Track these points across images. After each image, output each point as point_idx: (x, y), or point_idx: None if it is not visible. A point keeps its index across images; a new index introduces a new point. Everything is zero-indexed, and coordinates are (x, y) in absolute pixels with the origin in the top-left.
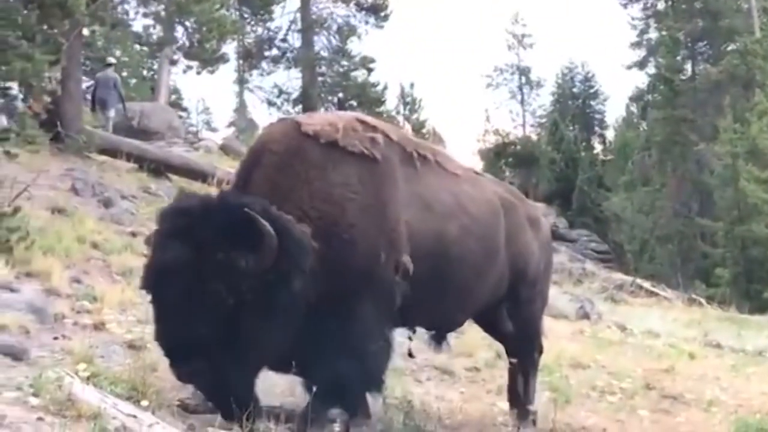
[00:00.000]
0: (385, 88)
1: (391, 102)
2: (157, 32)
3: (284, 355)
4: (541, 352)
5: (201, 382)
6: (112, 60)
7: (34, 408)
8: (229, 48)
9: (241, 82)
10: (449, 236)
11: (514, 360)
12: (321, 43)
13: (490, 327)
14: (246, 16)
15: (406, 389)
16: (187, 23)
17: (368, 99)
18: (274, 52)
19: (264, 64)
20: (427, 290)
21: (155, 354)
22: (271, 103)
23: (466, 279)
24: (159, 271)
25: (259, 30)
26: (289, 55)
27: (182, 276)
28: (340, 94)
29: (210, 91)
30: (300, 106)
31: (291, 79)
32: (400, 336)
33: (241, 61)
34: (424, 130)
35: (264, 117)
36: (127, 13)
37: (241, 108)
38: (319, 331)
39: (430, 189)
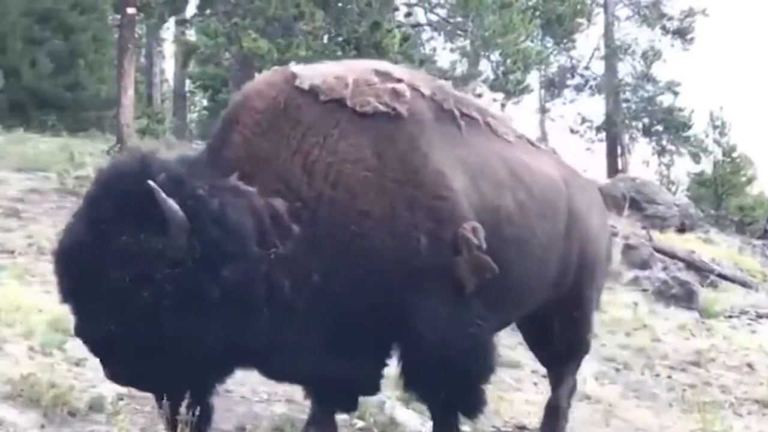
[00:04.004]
0: (692, 112)
1: (699, 126)
2: (462, 66)
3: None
4: (587, 351)
5: (132, 383)
6: None
7: (360, 430)
8: (532, 78)
9: (543, 111)
10: (503, 211)
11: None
12: (625, 68)
13: (539, 335)
14: (548, 45)
15: (726, 423)
16: (492, 56)
17: (674, 123)
18: (577, 80)
19: (566, 92)
20: None
21: None
22: (573, 131)
23: (524, 266)
24: (61, 257)
25: (562, 59)
26: (592, 82)
27: (84, 263)
28: (645, 120)
29: None
30: (603, 133)
31: (594, 107)
32: None
33: (543, 91)
34: (734, 154)
35: (565, 146)
36: (434, 49)
37: (543, 138)
38: (381, 340)
39: (477, 153)
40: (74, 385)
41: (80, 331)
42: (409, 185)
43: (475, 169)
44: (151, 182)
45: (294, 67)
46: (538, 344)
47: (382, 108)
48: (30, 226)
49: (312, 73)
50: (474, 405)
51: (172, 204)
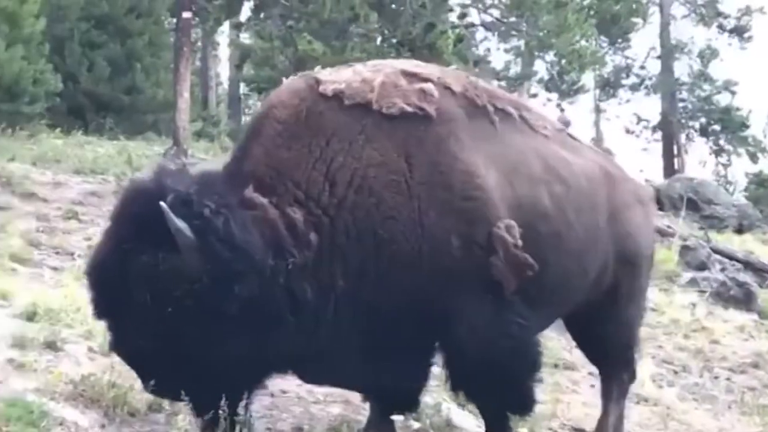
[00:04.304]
0: (750, 111)
1: (757, 126)
2: (516, 67)
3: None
4: (633, 376)
5: (168, 394)
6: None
7: None
8: (587, 78)
9: (598, 111)
10: (539, 207)
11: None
12: (681, 68)
13: (583, 336)
14: (603, 45)
15: None
16: (547, 56)
17: (732, 123)
18: (632, 79)
19: (621, 92)
20: None
21: None
22: (629, 131)
23: (563, 264)
24: (90, 276)
25: (617, 59)
26: (647, 82)
27: (111, 282)
28: (702, 119)
29: None
30: (659, 133)
31: (650, 106)
32: None
33: (598, 91)
34: None
35: (621, 146)
36: (488, 49)
37: (598, 138)
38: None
39: (512, 149)
40: (134, 385)
41: (114, 347)
42: (439, 187)
43: (509, 165)
44: (162, 204)
45: (318, 73)
46: (583, 345)
47: (409, 109)
48: (89, 229)
49: (337, 78)
50: (523, 403)
51: (180, 224)
